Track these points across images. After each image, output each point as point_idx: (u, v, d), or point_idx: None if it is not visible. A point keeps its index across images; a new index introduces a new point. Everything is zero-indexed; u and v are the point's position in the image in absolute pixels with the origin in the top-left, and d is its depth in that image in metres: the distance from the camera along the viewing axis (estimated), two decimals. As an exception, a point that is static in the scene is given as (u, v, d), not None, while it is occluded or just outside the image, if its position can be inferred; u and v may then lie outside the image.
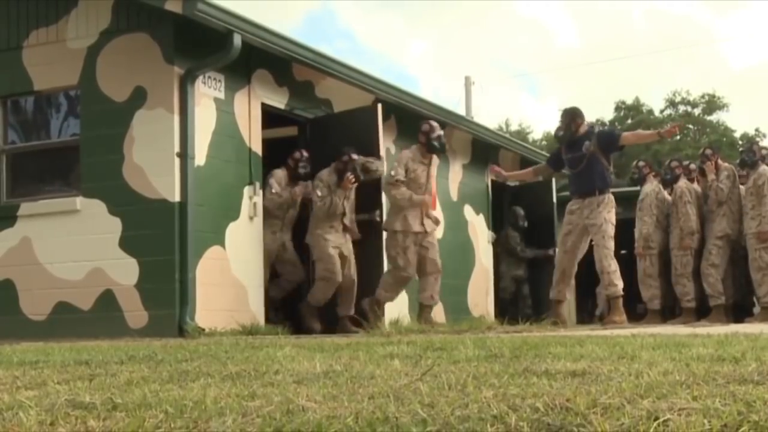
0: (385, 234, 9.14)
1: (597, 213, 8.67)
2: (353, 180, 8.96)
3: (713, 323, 9.04)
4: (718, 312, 10.10)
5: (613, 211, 8.90)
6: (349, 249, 9.10)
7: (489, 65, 68.54)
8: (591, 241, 8.95)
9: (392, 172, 8.92)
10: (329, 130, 9.68)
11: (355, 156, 9.02)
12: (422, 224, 8.92)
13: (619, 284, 8.76)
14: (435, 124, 9.15)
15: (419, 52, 74.94)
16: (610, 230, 8.70)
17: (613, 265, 8.70)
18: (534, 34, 72.22)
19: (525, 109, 68.21)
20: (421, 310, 9.08)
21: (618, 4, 69.92)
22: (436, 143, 8.98)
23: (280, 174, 9.32)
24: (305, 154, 9.43)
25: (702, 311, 10.36)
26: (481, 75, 75.10)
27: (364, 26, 75.34)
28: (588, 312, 14.96)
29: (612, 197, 8.91)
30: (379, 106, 9.70)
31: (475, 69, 74.37)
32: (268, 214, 9.12)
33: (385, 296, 8.89)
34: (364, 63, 59.15)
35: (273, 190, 9.19)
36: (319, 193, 8.99)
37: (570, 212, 8.97)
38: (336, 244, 8.97)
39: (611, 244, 8.71)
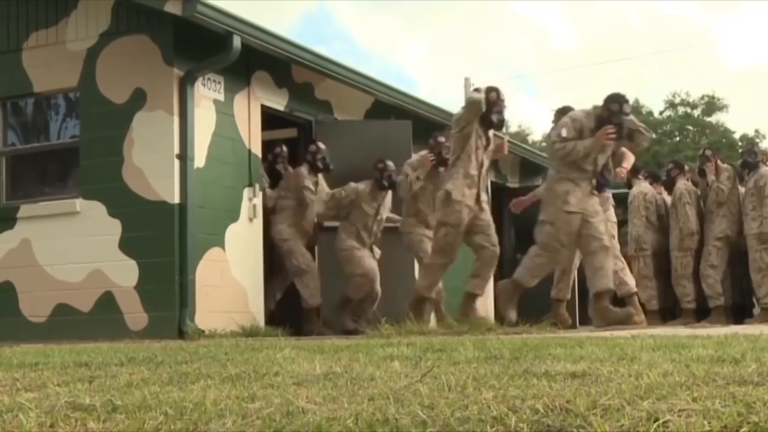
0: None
1: None
2: (612, 133, 7.48)
3: (713, 324, 9.04)
4: (718, 313, 10.10)
5: (612, 210, 8.93)
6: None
7: (486, 66, 68.58)
8: None
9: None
10: (346, 137, 9.71)
11: (628, 111, 7.67)
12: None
13: (631, 282, 8.79)
14: None
15: (416, 53, 74.94)
16: (610, 229, 8.70)
17: (619, 263, 8.72)
18: (531, 35, 72.32)
19: (523, 110, 68.28)
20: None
21: (614, 4, 69.99)
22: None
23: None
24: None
25: (702, 312, 10.35)
26: (478, 76, 75.00)
27: (361, 27, 75.31)
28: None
29: (610, 196, 8.96)
30: (410, 123, 9.74)
31: (473, 70, 74.33)
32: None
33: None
34: (361, 64, 59.24)
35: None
36: (564, 133, 7.60)
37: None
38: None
39: (613, 243, 8.72)
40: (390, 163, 9.12)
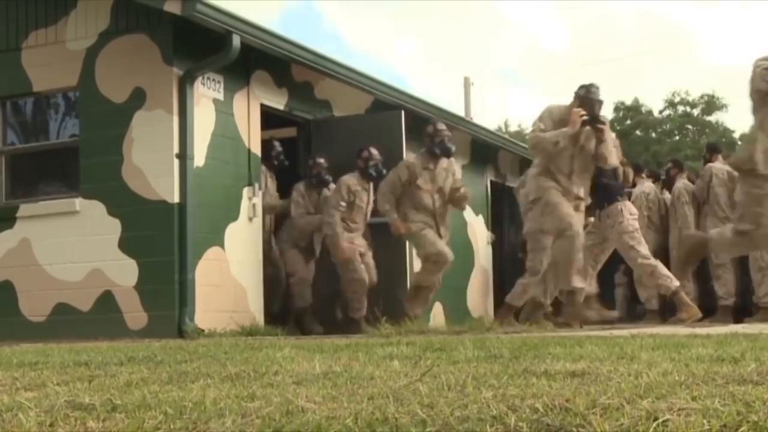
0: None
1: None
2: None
3: (718, 323, 9.00)
4: (725, 312, 10.08)
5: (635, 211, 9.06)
6: None
7: (480, 65, 68.67)
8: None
9: None
10: (340, 133, 9.69)
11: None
12: None
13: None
14: None
15: (407, 52, 74.89)
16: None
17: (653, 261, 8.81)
18: (525, 34, 72.40)
19: (522, 110, 68.34)
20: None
21: (607, 4, 70.12)
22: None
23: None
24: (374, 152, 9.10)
25: (703, 312, 10.33)
26: (473, 75, 75.05)
27: (348, 26, 75.14)
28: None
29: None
30: (402, 113, 9.73)
31: (467, 69, 74.43)
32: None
33: None
34: (352, 63, 58.97)
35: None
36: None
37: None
38: None
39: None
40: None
